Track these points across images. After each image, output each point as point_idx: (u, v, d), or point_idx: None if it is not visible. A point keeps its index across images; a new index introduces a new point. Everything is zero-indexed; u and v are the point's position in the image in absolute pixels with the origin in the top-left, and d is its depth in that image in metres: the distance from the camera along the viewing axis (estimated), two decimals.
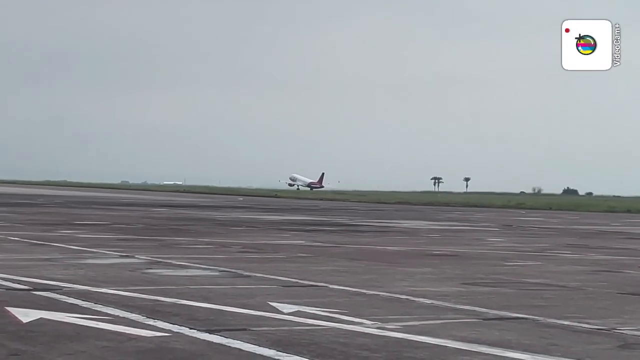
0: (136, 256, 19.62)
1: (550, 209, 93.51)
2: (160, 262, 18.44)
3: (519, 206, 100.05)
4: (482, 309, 12.42)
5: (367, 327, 10.50)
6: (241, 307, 11.83)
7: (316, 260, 20.32)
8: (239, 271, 16.82)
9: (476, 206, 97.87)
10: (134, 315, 10.88)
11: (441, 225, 44.71)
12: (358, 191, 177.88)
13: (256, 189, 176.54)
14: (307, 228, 36.17)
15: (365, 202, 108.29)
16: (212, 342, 9.32)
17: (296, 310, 11.66)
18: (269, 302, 12.33)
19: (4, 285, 13.68)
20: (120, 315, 10.81)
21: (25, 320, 10.31)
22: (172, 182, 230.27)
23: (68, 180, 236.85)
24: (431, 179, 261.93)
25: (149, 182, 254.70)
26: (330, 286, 14.77)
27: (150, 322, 10.41)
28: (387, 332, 10.14)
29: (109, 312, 11.10)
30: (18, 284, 13.84)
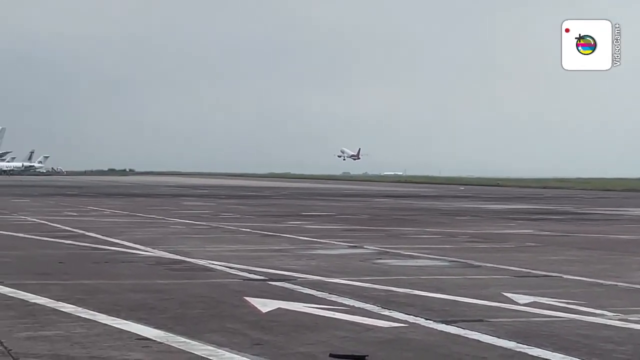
0: (365, 246, 19.78)
1: None
2: (389, 252, 18.51)
3: None
4: None
5: (609, 318, 10.14)
6: (475, 297, 11.69)
7: (546, 249, 19.87)
8: (468, 261, 16.65)
9: None
10: (369, 305, 10.93)
11: None
12: (582, 178, 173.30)
13: (477, 178, 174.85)
14: (534, 217, 35.49)
15: (590, 189, 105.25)
16: (449, 333, 9.24)
17: (532, 301, 11.40)
18: (503, 293, 12.12)
19: (241, 275, 14.08)
20: (356, 306, 10.88)
21: (264, 310, 10.54)
22: (392, 173, 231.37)
23: (291, 172, 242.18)
24: None
25: (370, 172, 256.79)
26: (565, 276, 14.39)
27: (386, 312, 10.43)
28: (631, 324, 9.75)
29: (344, 302, 11.20)
30: (254, 274, 14.20)
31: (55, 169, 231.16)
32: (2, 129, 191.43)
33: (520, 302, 11.34)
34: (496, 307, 10.99)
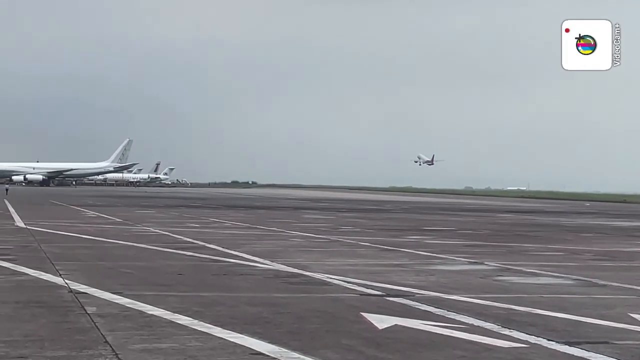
0: (485, 263, 19.39)
1: None
2: (510, 269, 18.10)
3: None
4: None
5: None
6: (600, 318, 11.27)
7: None
8: (593, 280, 16.13)
9: None
10: (488, 324, 10.63)
11: None
12: None
13: (603, 194, 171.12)
14: None
15: None
16: (573, 355, 8.89)
17: None
18: (630, 314, 11.66)
19: (358, 290, 13.91)
20: (475, 324, 10.60)
21: (380, 326, 10.35)
22: (515, 188, 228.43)
23: (413, 186, 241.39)
24: None
25: (492, 187, 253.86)
26: None
27: (506, 332, 10.12)
28: None
29: (462, 320, 10.92)
30: (371, 289, 14.02)
31: (180, 180, 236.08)
32: (129, 140, 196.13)
33: None
34: (622, 328, 10.56)
